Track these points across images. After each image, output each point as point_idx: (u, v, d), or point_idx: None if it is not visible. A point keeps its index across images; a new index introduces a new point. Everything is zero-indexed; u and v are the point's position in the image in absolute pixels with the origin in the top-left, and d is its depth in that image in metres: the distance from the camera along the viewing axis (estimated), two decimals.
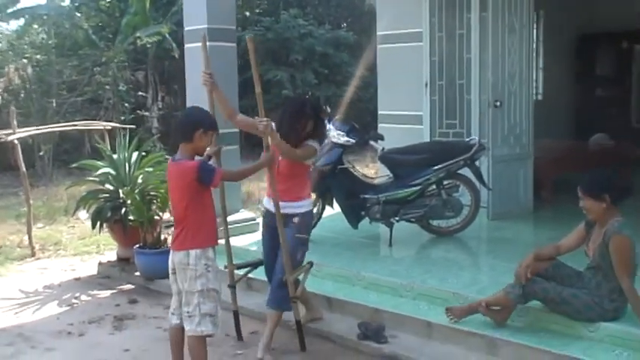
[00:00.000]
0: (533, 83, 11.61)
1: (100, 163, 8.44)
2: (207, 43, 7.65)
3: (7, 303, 7.26)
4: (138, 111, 17.71)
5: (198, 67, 6.12)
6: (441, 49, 9.50)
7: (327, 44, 19.59)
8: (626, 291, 5.03)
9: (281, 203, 5.54)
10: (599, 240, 5.11)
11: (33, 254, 9.14)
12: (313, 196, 6.35)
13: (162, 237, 7.75)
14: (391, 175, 7.70)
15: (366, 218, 7.57)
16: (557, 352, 4.98)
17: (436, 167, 7.43)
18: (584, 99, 13.23)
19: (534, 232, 8.34)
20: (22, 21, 17.86)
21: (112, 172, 8.17)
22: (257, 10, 20.92)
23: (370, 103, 16.71)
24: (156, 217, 7.81)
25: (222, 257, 6.09)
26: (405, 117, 9.88)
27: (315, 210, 6.79)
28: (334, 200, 7.71)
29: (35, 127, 10.86)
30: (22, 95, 16.87)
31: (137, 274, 7.76)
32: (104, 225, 8.08)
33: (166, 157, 8.07)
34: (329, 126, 7.21)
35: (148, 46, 17.98)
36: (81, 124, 11.67)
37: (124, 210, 7.91)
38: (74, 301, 7.28)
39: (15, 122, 9.41)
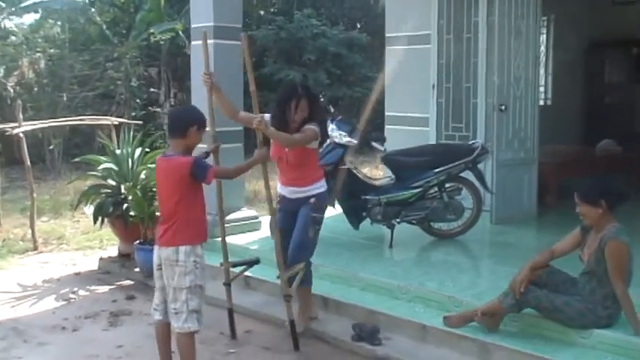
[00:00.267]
0: (541, 88, 11.63)
1: (102, 158, 8.46)
2: (214, 41, 7.81)
3: (4, 296, 7.27)
4: (149, 107, 17.74)
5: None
6: (448, 52, 9.48)
7: (340, 45, 19.56)
8: (619, 297, 5.00)
9: (297, 189, 5.81)
10: (595, 245, 5.09)
11: (35, 248, 9.17)
12: None
13: None
14: (393, 177, 7.67)
15: (367, 219, 7.56)
16: (549, 357, 4.94)
17: (438, 170, 7.40)
18: (594, 105, 13.13)
19: (537, 237, 8.28)
20: (37, 15, 17.95)
21: (115, 167, 8.18)
22: (271, 10, 20.92)
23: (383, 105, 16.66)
24: (157, 214, 7.78)
25: (218, 255, 6.11)
26: (411, 119, 9.86)
27: None
28: (336, 200, 7.69)
29: (41, 121, 10.89)
30: (36, 89, 16.92)
31: (137, 270, 7.77)
32: (105, 220, 8.09)
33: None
34: (331, 126, 7.20)
35: (162, 42, 18.02)
36: (88, 119, 11.70)
37: (125, 206, 7.93)
38: (72, 295, 7.29)
39: (21, 115, 9.44)
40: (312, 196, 5.80)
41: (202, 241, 4.92)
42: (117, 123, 10.22)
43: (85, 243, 9.55)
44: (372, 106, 17.80)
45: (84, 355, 5.73)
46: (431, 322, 5.66)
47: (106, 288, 7.57)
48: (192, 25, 8.34)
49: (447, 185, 7.58)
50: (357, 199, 7.47)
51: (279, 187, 6.02)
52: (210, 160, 5.71)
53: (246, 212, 8.42)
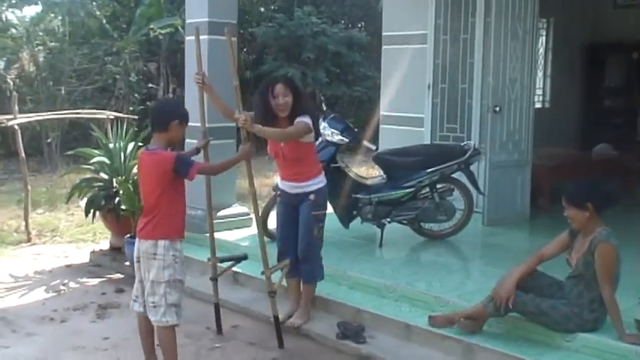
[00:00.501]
0: (539, 90, 11.63)
1: (96, 151, 8.47)
2: (208, 37, 7.80)
3: None
4: (148, 102, 17.74)
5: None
6: (444, 52, 9.46)
7: (340, 43, 19.52)
8: (606, 301, 5.00)
9: (295, 184, 5.87)
10: (584, 249, 5.08)
11: (29, 240, 9.20)
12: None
13: None
14: (384, 176, 7.67)
15: (358, 218, 7.56)
16: None
17: (430, 170, 7.39)
18: (592, 108, 13.14)
19: (528, 240, 8.28)
20: (38, 8, 17.94)
21: (107, 161, 8.19)
22: (272, 7, 20.90)
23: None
24: None
25: (207, 250, 6.13)
26: (406, 119, 9.84)
27: None
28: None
29: (36, 114, 10.91)
30: (37, 82, 16.92)
31: (127, 263, 7.77)
32: (97, 213, 8.11)
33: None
34: (323, 124, 7.21)
35: (161, 37, 18.03)
36: (84, 113, 11.71)
37: (117, 199, 7.94)
38: (62, 287, 7.32)
39: (16, 107, 9.44)
40: (312, 192, 5.84)
41: (181, 237, 4.93)
42: (112, 117, 10.22)
43: (78, 236, 9.58)
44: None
45: (71, 346, 5.76)
46: (415, 322, 5.67)
47: (96, 281, 7.59)
48: (187, 21, 8.35)
49: (439, 186, 7.58)
50: (347, 197, 7.46)
51: (279, 182, 6.09)
52: (200, 157, 5.74)
53: (237, 209, 8.42)
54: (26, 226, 9.31)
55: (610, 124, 12.69)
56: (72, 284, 7.44)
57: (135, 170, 8.00)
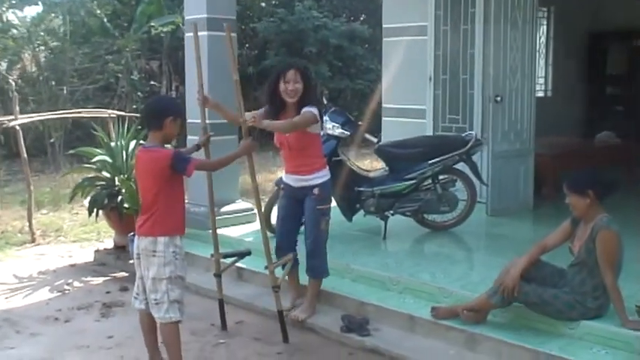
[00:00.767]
0: (541, 79, 11.60)
1: (97, 150, 8.47)
2: (207, 33, 7.80)
3: None
4: None
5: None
6: (445, 43, 9.42)
7: (341, 37, 19.51)
8: (608, 287, 5.00)
9: (299, 177, 5.87)
10: (586, 236, 5.09)
11: (33, 240, 9.21)
12: None
13: None
14: (386, 168, 7.65)
15: (361, 211, 7.55)
16: (535, 348, 4.95)
17: (432, 161, 7.37)
18: (594, 96, 13.12)
19: (532, 229, 8.27)
20: (39, 8, 17.94)
21: (109, 160, 8.19)
22: (273, 2, 20.88)
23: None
24: None
25: (211, 246, 6.13)
26: (408, 111, 9.81)
27: None
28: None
29: (38, 114, 10.91)
30: (39, 82, 16.93)
31: (132, 261, 7.75)
32: (100, 212, 8.12)
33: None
34: (325, 117, 7.20)
35: (162, 35, 18.02)
36: (85, 112, 11.71)
37: (119, 198, 7.95)
38: (66, 287, 7.33)
39: (17, 108, 9.45)
40: (316, 185, 5.83)
41: (181, 233, 4.92)
42: (114, 116, 10.22)
43: (82, 235, 9.59)
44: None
45: (75, 345, 5.77)
46: (419, 313, 5.67)
47: (100, 279, 7.60)
48: (186, 17, 8.35)
49: (441, 177, 7.55)
50: (350, 190, 7.46)
51: (284, 177, 6.11)
52: (202, 153, 5.73)
53: (241, 204, 8.42)
54: (30, 226, 9.32)
55: (612, 112, 12.67)
56: (76, 284, 7.45)
57: None
